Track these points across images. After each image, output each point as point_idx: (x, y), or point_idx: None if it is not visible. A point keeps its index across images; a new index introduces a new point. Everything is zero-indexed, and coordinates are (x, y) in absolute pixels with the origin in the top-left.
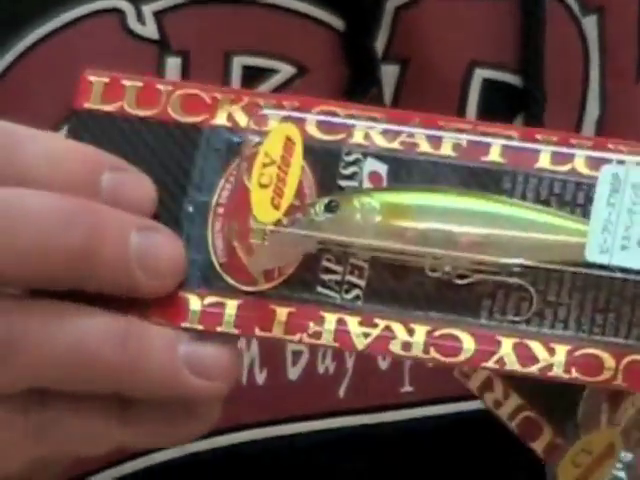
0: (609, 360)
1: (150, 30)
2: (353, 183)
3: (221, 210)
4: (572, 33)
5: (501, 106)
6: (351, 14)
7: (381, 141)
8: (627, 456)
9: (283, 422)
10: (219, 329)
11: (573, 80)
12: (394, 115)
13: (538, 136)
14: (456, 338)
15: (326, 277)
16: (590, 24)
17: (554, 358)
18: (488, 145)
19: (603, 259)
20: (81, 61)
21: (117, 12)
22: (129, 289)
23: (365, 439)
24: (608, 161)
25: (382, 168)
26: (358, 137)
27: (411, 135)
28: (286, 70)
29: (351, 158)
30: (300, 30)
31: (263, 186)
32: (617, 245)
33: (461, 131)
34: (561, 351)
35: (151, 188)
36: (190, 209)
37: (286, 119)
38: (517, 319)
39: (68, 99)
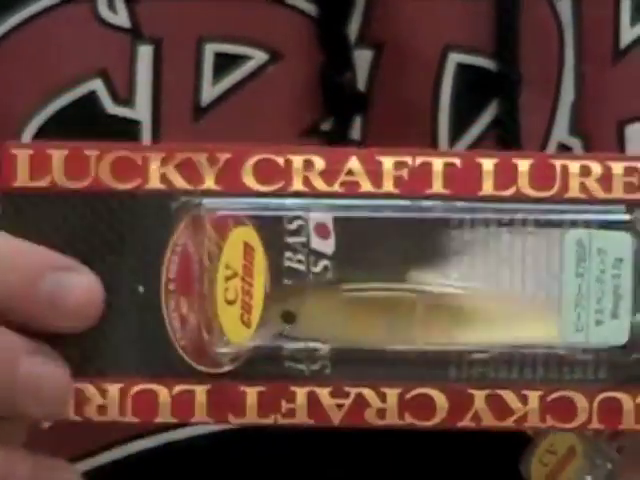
0: (582, 400)
1: (122, 18)
2: (301, 239)
3: (172, 287)
4: (547, 16)
5: (476, 90)
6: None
7: (321, 185)
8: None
9: None
10: (193, 420)
11: (548, 64)
12: (331, 155)
13: (479, 160)
14: (428, 397)
15: (289, 347)
16: (565, 7)
17: (528, 407)
18: (430, 172)
19: (579, 338)
20: (53, 50)
21: (88, 1)
22: (13, 414)
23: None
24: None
25: (327, 218)
26: (297, 184)
27: (351, 172)
28: (259, 56)
29: (294, 211)
30: (273, 16)
31: (230, 302)
32: (591, 321)
33: (401, 165)
34: (534, 398)
35: (95, 288)
36: (140, 289)
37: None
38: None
39: (41, 88)
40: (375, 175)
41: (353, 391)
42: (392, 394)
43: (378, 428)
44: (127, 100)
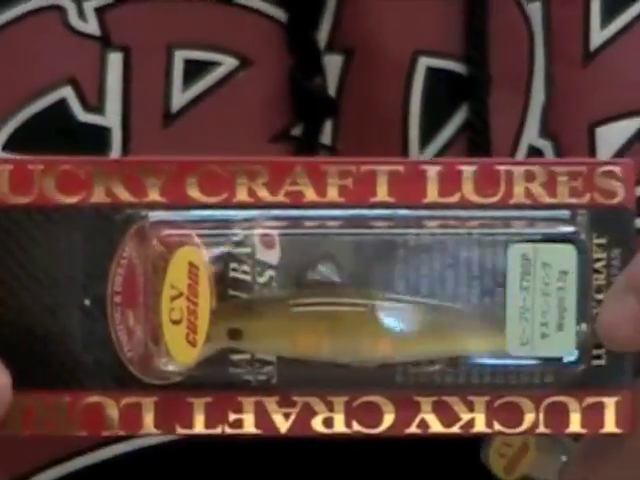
0: (528, 405)
1: (92, 26)
2: (246, 249)
3: (118, 299)
4: (517, 19)
5: (446, 94)
6: (294, 5)
7: (266, 195)
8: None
9: None
10: (141, 432)
11: (518, 66)
12: (276, 165)
13: (423, 167)
14: (375, 405)
15: (236, 357)
16: (535, 9)
17: (474, 413)
18: (374, 182)
19: (525, 351)
20: (24, 58)
21: (58, 9)
22: None
23: None
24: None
25: (272, 228)
26: (242, 194)
27: (295, 183)
28: (229, 62)
29: (239, 222)
30: (243, 22)
31: (175, 322)
32: (537, 334)
33: (346, 174)
34: (480, 404)
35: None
36: (87, 302)
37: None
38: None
39: (12, 96)
40: (319, 184)
41: (300, 400)
42: (339, 402)
43: (325, 437)
44: (97, 107)
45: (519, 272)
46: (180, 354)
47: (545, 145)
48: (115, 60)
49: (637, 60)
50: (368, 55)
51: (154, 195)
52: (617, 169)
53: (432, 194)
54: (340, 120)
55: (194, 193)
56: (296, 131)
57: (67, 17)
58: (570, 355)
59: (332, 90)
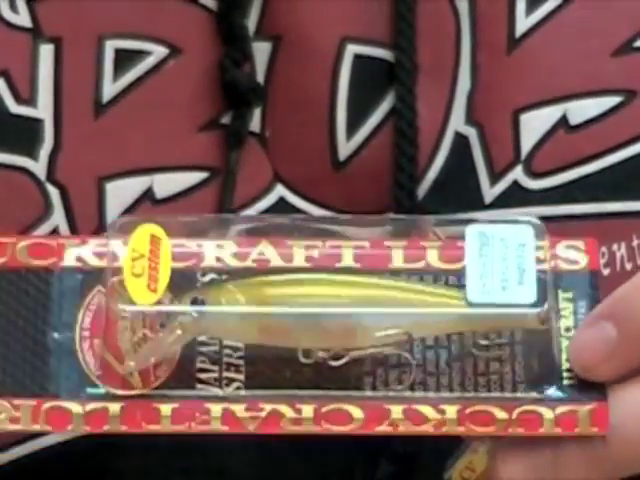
0: (500, 413)
1: (23, 18)
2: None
3: (87, 333)
4: (444, 6)
5: (373, 81)
6: None
7: (233, 262)
8: None
9: None
10: (105, 428)
11: (445, 53)
12: (243, 240)
13: (388, 243)
14: (345, 411)
15: (203, 376)
16: None
17: (445, 416)
18: (340, 253)
19: (485, 299)
20: None
21: None
22: None
23: None
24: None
25: None
26: (210, 261)
27: (262, 253)
28: (159, 51)
29: (207, 279)
30: (172, 11)
31: (136, 275)
32: (497, 288)
33: (311, 247)
34: (451, 410)
35: None
36: (55, 336)
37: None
38: (400, 387)
39: None
40: (286, 255)
41: (268, 406)
42: (308, 408)
43: (293, 433)
44: (29, 99)
45: (477, 244)
46: (141, 298)
47: (470, 132)
48: (46, 51)
49: (561, 47)
50: (296, 42)
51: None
52: (580, 244)
53: (397, 261)
54: (268, 107)
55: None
56: (226, 119)
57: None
58: (532, 301)
59: (260, 77)
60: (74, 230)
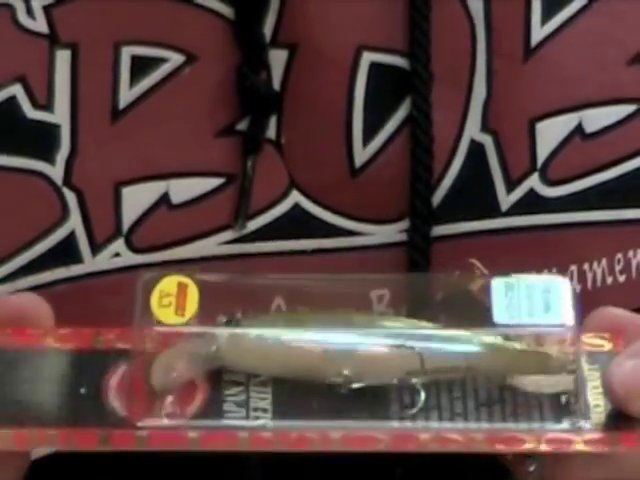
0: (529, 438)
1: (40, 24)
2: None
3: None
4: (459, 14)
5: (389, 89)
6: (239, 1)
7: None
8: None
9: None
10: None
11: (460, 61)
12: None
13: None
14: (372, 436)
15: (230, 407)
16: (476, 4)
17: (474, 435)
18: None
19: (513, 320)
20: None
21: (7, 7)
22: None
23: None
24: None
25: None
26: None
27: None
28: (175, 59)
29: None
30: (189, 18)
31: (164, 306)
32: (524, 314)
33: None
34: (479, 435)
35: None
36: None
37: None
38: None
39: None
40: None
41: (296, 434)
42: (336, 437)
43: (317, 449)
44: (46, 104)
45: (503, 288)
46: (168, 320)
47: (486, 139)
48: (63, 57)
49: (577, 55)
50: (312, 50)
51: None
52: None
53: None
54: (284, 115)
55: None
56: (242, 126)
57: (16, 15)
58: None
59: (276, 85)
60: (91, 234)
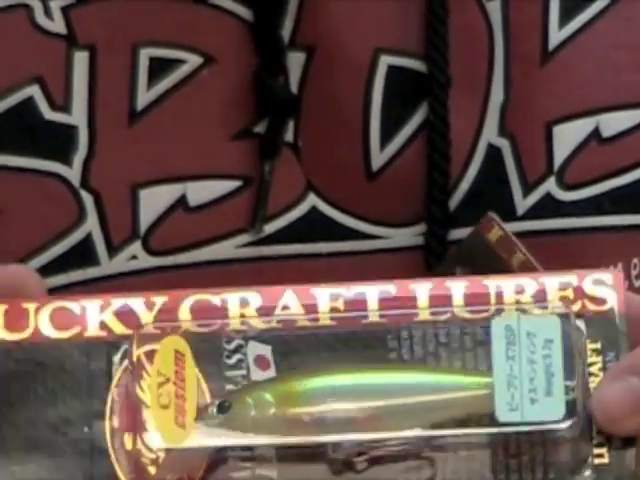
0: None
1: (58, 25)
2: (241, 372)
3: (117, 424)
4: (477, 18)
5: (406, 92)
6: (257, 3)
7: (258, 323)
8: None
9: None
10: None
11: (478, 65)
12: (266, 292)
13: (413, 286)
14: None
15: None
16: (494, 9)
17: None
18: (365, 308)
19: (514, 417)
20: None
21: (25, 8)
22: None
23: None
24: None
25: (266, 350)
26: (235, 323)
27: (287, 307)
28: (193, 60)
29: (232, 346)
30: (207, 20)
31: (164, 407)
32: (526, 400)
33: (336, 297)
34: None
35: None
36: (85, 430)
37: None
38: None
39: None
40: (311, 309)
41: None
42: None
43: None
44: (63, 106)
45: (504, 343)
46: (170, 436)
47: (503, 143)
48: (81, 59)
49: (593, 60)
50: (330, 53)
51: (147, 327)
52: (607, 277)
53: (424, 315)
54: (302, 117)
55: (187, 324)
56: (259, 128)
57: (34, 16)
58: (559, 418)
59: (294, 87)
60: (107, 236)
